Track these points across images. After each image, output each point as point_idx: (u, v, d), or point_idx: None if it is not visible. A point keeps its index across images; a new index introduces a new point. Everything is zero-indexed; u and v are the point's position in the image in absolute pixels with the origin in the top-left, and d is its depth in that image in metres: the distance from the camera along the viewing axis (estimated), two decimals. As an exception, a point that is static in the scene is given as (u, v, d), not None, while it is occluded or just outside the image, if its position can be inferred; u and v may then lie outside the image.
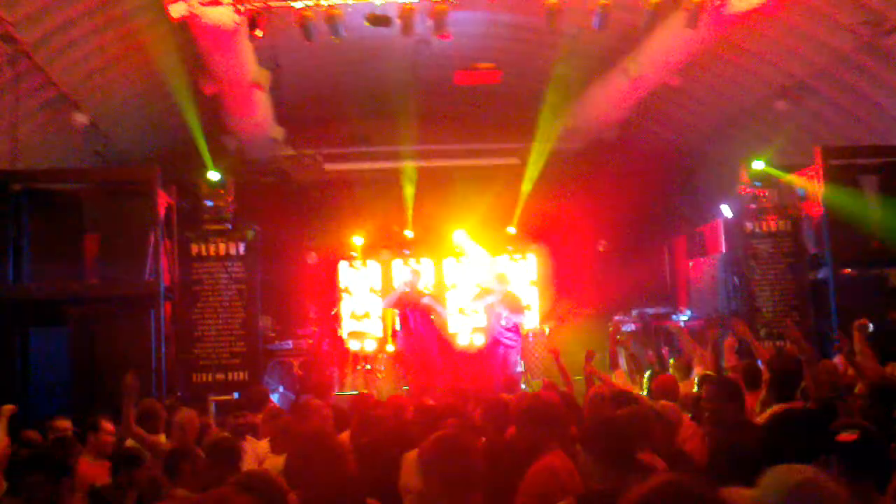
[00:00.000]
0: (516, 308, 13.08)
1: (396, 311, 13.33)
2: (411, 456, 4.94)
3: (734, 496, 2.57)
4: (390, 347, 14.54)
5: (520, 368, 13.14)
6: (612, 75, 13.12)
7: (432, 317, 12.97)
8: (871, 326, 7.42)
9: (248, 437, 6.80)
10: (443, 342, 13.26)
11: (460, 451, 3.60)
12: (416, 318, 12.83)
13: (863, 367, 6.69)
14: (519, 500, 4.57)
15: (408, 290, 13.08)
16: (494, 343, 12.73)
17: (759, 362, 7.48)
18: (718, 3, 9.88)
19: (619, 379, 8.64)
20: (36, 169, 11.81)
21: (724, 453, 4.89)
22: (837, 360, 7.93)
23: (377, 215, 16.30)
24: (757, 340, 10.29)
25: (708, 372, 7.69)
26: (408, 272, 13.98)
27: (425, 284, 14.26)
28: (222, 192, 11.66)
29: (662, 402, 5.91)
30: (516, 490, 4.63)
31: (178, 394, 10.54)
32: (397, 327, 13.60)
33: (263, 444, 6.69)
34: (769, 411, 5.74)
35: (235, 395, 10.97)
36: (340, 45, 10.93)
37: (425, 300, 12.92)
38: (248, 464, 5.92)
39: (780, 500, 2.54)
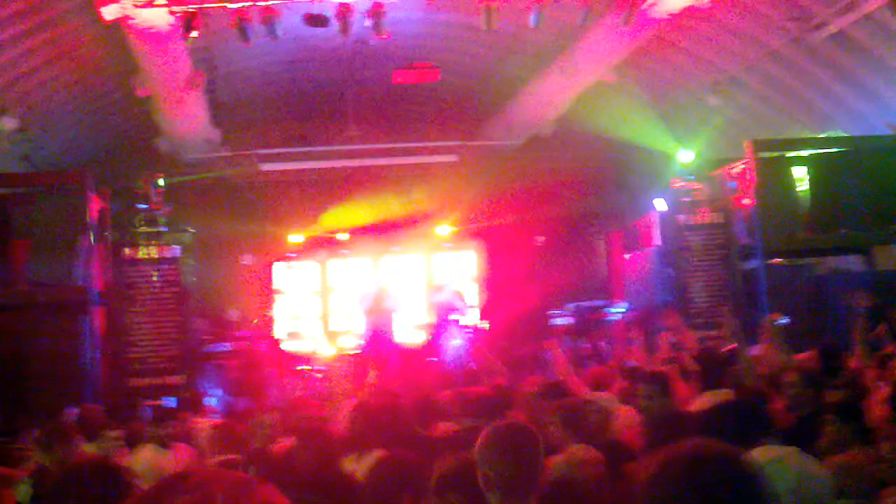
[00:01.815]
0: (461, 304, 13.16)
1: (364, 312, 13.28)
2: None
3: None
4: (332, 349, 14.47)
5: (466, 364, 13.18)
6: (549, 72, 13.22)
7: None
8: (784, 320, 7.57)
9: (178, 446, 6.52)
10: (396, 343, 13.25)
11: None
12: (379, 320, 12.85)
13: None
14: None
15: (377, 291, 13.12)
16: (441, 339, 12.79)
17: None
18: (650, 2, 10.01)
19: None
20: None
21: (657, 444, 4.98)
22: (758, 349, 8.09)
23: (314, 215, 16.23)
24: (690, 330, 10.55)
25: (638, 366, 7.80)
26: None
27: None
28: (156, 193, 11.47)
29: (596, 392, 5.97)
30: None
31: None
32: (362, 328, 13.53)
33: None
34: (698, 401, 5.87)
35: (172, 399, 10.81)
36: (277, 45, 10.87)
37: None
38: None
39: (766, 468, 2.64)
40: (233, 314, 15.42)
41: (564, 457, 4.85)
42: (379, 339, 12.60)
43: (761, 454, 2.84)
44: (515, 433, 3.23)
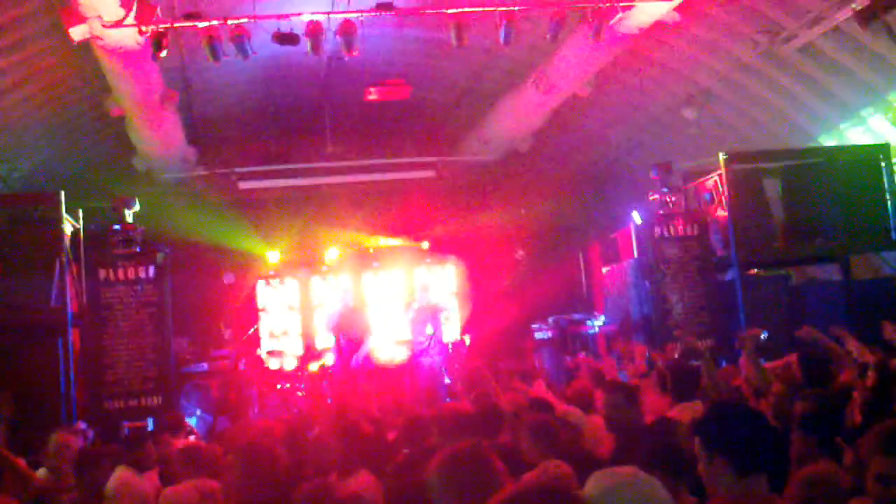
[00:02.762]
0: (439, 320, 13.14)
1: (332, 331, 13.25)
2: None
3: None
4: (314, 366, 14.45)
5: (445, 380, 13.17)
6: (524, 87, 13.28)
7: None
8: (764, 334, 7.59)
9: (148, 474, 6.34)
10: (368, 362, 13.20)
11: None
12: (347, 339, 12.80)
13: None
14: None
15: (344, 309, 13.08)
16: (419, 356, 12.77)
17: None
18: (620, 17, 10.09)
19: (540, 387, 8.73)
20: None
21: (624, 456, 5.00)
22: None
23: (294, 233, 16.21)
24: (671, 342, 10.60)
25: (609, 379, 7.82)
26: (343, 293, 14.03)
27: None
28: (130, 214, 11.41)
29: (566, 408, 5.99)
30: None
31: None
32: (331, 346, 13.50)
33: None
34: (669, 413, 5.89)
35: (149, 420, 10.76)
36: (252, 63, 10.86)
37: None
38: None
39: (599, 499, 2.66)
40: (226, 332, 15.38)
41: (537, 472, 4.87)
42: (347, 359, 12.56)
43: (595, 482, 2.76)
44: (465, 460, 3.14)
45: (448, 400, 11.60)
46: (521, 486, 2.26)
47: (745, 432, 3.34)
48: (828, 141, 12.74)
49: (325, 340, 14.68)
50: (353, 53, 10.27)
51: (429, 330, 12.70)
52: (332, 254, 16.39)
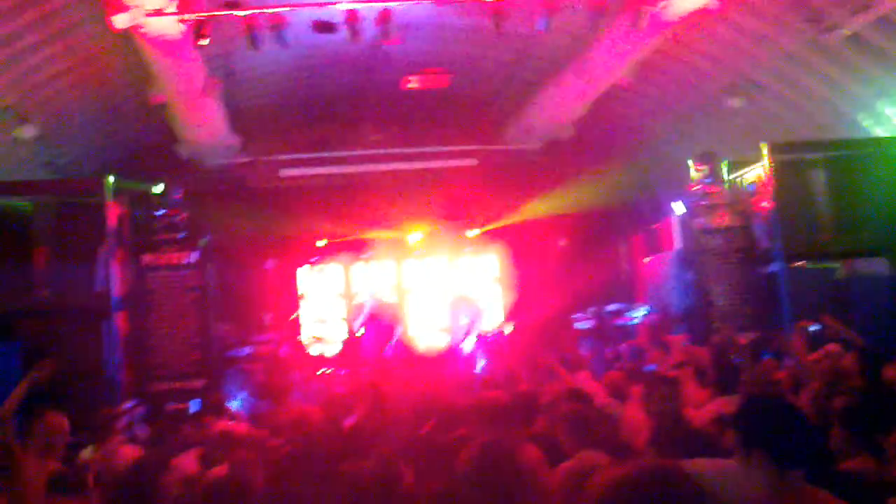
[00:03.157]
0: (478, 309, 13.16)
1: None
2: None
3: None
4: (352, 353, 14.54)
5: (481, 369, 13.20)
6: (565, 75, 13.21)
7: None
8: (813, 327, 7.52)
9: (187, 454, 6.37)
10: (404, 351, 13.26)
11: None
12: (378, 330, 12.89)
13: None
14: None
15: (373, 300, 13.17)
16: (457, 344, 12.80)
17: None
18: (661, 5, 9.97)
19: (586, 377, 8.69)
20: (-17, 182, 11.69)
21: (663, 448, 4.99)
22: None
23: (336, 219, 16.30)
24: (711, 335, 10.49)
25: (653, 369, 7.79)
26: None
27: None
28: (174, 200, 11.58)
29: (605, 399, 5.97)
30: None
31: None
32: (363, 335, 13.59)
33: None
34: (710, 406, 5.85)
35: (194, 402, 10.91)
36: (294, 51, 10.93)
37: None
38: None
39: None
40: (267, 318, 15.55)
41: (573, 463, 4.87)
42: (378, 349, 12.63)
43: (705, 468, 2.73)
44: (493, 454, 3.12)
45: (484, 390, 11.63)
46: (629, 468, 2.22)
47: (785, 426, 3.30)
48: (875, 131, 12.50)
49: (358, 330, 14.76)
50: (392, 42, 10.30)
51: (464, 320, 12.73)
52: (373, 241, 16.47)
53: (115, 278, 10.86)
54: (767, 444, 3.24)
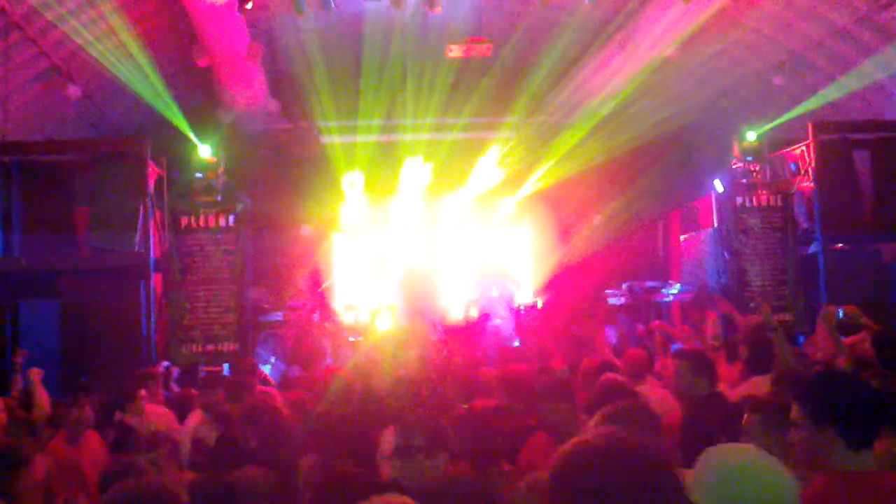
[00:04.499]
0: (509, 282, 13.13)
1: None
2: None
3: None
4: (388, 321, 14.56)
5: (515, 342, 13.18)
6: (607, 48, 13.05)
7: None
8: (840, 313, 7.40)
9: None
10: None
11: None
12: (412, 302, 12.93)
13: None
14: None
15: (408, 272, 13.18)
16: (485, 317, 12.80)
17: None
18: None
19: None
20: (25, 140, 11.81)
21: (692, 425, 4.95)
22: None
23: (373, 188, 16.29)
24: (747, 314, 10.38)
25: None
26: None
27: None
28: (212, 163, 11.64)
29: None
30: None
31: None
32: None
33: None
34: (742, 386, 5.79)
35: (225, 365, 11.03)
36: (336, 17, 10.88)
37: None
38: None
39: (717, 482, 2.49)
40: (301, 283, 15.62)
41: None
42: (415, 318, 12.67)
43: (710, 459, 2.54)
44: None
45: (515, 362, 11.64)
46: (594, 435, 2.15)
47: (861, 403, 3.20)
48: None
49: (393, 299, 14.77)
50: (437, 10, 10.23)
51: (494, 292, 12.71)
52: (409, 210, 16.45)
53: (152, 239, 10.97)
54: (842, 422, 3.14)
